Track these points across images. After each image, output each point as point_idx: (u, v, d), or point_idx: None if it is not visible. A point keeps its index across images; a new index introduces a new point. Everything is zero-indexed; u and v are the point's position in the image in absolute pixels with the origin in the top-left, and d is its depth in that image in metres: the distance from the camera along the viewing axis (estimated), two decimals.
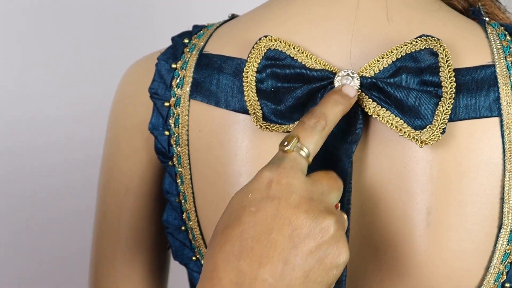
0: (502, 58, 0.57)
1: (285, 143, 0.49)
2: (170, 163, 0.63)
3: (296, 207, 0.46)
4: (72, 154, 1.59)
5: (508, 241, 0.57)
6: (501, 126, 0.56)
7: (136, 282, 0.71)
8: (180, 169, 0.63)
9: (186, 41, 0.65)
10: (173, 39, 0.66)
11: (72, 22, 1.61)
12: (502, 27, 0.60)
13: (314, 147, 0.50)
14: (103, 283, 0.71)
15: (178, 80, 0.62)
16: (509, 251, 0.57)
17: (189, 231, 0.64)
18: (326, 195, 0.49)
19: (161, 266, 0.74)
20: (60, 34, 1.60)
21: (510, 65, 0.57)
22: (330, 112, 0.51)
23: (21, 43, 1.59)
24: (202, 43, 0.64)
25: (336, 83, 0.55)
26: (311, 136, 0.49)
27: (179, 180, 0.63)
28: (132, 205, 0.69)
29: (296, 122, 0.56)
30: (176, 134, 0.62)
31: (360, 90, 0.55)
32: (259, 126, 0.56)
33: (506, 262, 0.57)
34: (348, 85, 0.54)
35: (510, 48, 0.58)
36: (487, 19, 0.61)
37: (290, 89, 0.57)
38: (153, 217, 0.70)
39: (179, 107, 0.62)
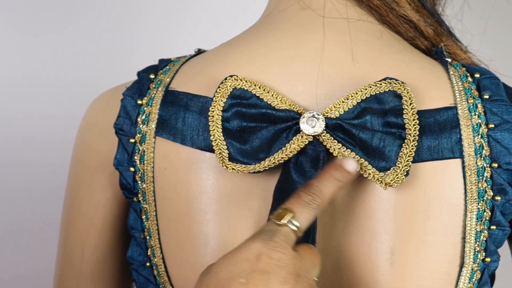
0: (464, 99, 0.58)
1: (280, 216, 0.49)
2: (135, 199, 0.63)
3: (284, 283, 0.46)
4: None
5: (469, 279, 0.58)
6: (463, 167, 0.57)
7: None
8: (145, 206, 0.63)
9: (152, 76, 0.65)
10: (138, 74, 0.66)
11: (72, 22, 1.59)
12: (464, 68, 0.62)
13: (306, 224, 0.50)
14: None
15: (143, 117, 0.62)
16: None
17: (153, 267, 0.64)
18: (310, 271, 0.49)
19: None
20: (59, 32, 1.58)
21: (472, 106, 0.58)
22: (327, 189, 0.52)
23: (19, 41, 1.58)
24: (168, 79, 0.64)
25: (302, 124, 0.56)
26: (306, 213, 0.50)
27: (144, 216, 0.63)
28: (95, 240, 0.68)
29: (262, 162, 0.56)
30: (142, 170, 0.62)
31: (325, 131, 0.56)
32: (225, 167, 0.57)
33: None
34: (350, 160, 0.54)
35: (471, 89, 0.59)
36: (449, 60, 0.62)
37: (256, 129, 0.57)
38: (117, 252, 0.70)
39: (144, 144, 0.62)
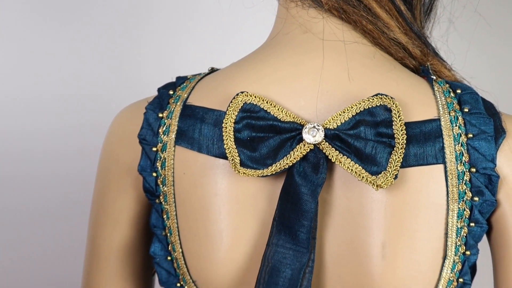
0: (446, 113, 0.66)
1: None
2: (157, 200, 0.71)
3: None
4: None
5: (451, 269, 0.66)
6: (445, 172, 0.65)
7: None
8: (166, 206, 0.71)
9: (171, 92, 0.73)
10: (159, 90, 0.74)
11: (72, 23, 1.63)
12: (448, 85, 0.69)
13: None
14: None
15: (164, 128, 0.70)
16: (452, 278, 0.66)
17: (174, 261, 0.72)
18: None
19: None
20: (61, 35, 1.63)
21: (453, 119, 0.66)
22: None
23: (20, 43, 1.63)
24: (185, 95, 0.72)
25: (304, 134, 0.64)
26: None
27: (165, 216, 0.71)
28: (121, 238, 0.76)
29: (269, 167, 0.64)
30: (163, 175, 0.70)
31: (324, 140, 0.64)
32: (237, 171, 0.64)
33: (451, 287, 0.66)
34: None
35: (453, 104, 0.67)
36: (434, 77, 0.70)
37: (264, 138, 0.65)
38: (140, 248, 0.78)
39: (165, 152, 0.70)
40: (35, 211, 1.81)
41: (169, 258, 0.72)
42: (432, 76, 0.70)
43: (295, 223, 0.63)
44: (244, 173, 0.64)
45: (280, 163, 0.64)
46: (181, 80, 0.75)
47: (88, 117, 1.75)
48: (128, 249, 0.77)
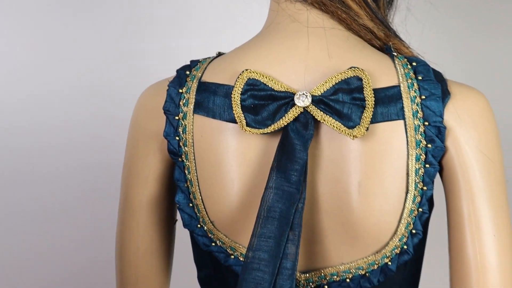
0: (404, 80, 0.85)
1: None
2: (179, 159, 0.89)
3: None
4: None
5: (413, 201, 0.84)
6: (405, 125, 0.83)
7: (152, 248, 0.96)
8: (187, 163, 0.89)
9: (188, 72, 0.91)
10: (177, 71, 0.92)
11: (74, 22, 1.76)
12: (406, 59, 0.88)
13: None
14: (126, 248, 0.96)
15: (184, 101, 0.88)
16: (413, 208, 0.84)
17: (195, 207, 0.90)
18: None
19: (169, 236, 0.99)
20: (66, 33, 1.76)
21: (410, 85, 0.84)
22: None
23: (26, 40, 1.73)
24: (199, 74, 0.90)
25: (295, 100, 0.82)
26: None
27: (187, 171, 0.89)
28: (149, 192, 0.94)
29: (269, 127, 0.82)
30: (184, 138, 0.88)
31: (311, 104, 0.82)
32: (244, 130, 0.83)
33: (412, 216, 0.85)
34: None
35: (410, 74, 0.85)
36: (395, 54, 0.89)
37: (264, 105, 0.83)
38: (165, 200, 0.96)
39: (186, 120, 0.88)
40: (51, 205, 1.93)
41: (190, 205, 0.90)
42: (393, 53, 0.88)
43: (289, 168, 0.81)
44: (250, 131, 0.82)
45: (277, 123, 0.82)
46: (194, 63, 0.93)
47: (95, 108, 1.87)
48: (155, 202, 0.95)
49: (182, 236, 1.06)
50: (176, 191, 0.91)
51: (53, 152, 1.93)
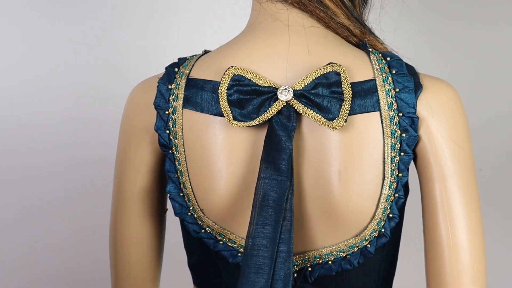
0: (379, 74, 0.91)
1: None
2: (170, 151, 0.94)
3: None
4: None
5: (389, 187, 0.90)
6: (381, 117, 0.89)
7: (145, 236, 1.02)
8: (177, 155, 0.94)
9: (176, 69, 0.96)
10: (166, 68, 0.97)
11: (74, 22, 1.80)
12: (380, 54, 0.94)
13: None
14: (120, 238, 1.01)
15: (173, 96, 0.94)
16: (390, 194, 0.90)
17: (185, 196, 0.95)
18: None
19: (160, 225, 1.05)
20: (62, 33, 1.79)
21: (385, 79, 0.90)
22: None
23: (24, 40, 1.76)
24: (187, 71, 0.95)
25: (279, 94, 0.87)
26: None
27: (177, 162, 0.94)
28: (141, 183, 1.00)
29: (254, 120, 0.88)
30: (174, 131, 0.93)
31: (293, 98, 0.88)
32: (231, 123, 0.88)
33: (389, 201, 0.91)
34: None
35: (384, 68, 0.91)
36: (370, 49, 0.95)
37: (249, 99, 0.89)
38: (156, 191, 1.01)
39: (175, 114, 0.93)
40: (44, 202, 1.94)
41: (181, 194, 0.95)
42: (369, 49, 0.94)
43: (278, 158, 0.86)
44: (236, 124, 0.88)
45: (262, 117, 0.88)
46: (182, 60, 0.98)
47: (82, 106, 1.90)
48: (146, 192, 1.01)
49: (174, 226, 1.11)
50: (167, 182, 0.96)
51: (39, 149, 1.94)
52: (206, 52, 1.00)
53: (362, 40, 0.97)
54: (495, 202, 2.12)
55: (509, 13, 2.14)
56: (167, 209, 1.05)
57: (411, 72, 0.92)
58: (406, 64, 0.93)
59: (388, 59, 0.92)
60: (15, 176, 1.94)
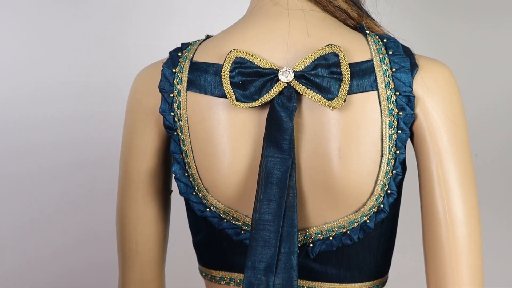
0: (377, 55, 0.94)
1: None
2: (175, 133, 0.97)
3: None
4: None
5: (387, 164, 0.93)
6: (378, 96, 0.92)
7: (151, 217, 1.05)
8: (182, 136, 0.97)
9: (180, 54, 0.99)
10: (170, 53, 1.00)
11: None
12: (377, 36, 0.97)
13: None
14: (127, 219, 1.05)
15: (177, 79, 0.97)
16: (388, 170, 0.94)
17: (190, 176, 0.98)
18: None
19: (165, 206, 1.08)
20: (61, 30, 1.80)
21: (382, 59, 0.93)
22: None
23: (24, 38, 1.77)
24: (191, 55, 0.98)
25: (280, 76, 0.90)
26: None
27: (182, 144, 0.97)
28: (147, 165, 1.03)
29: (256, 101, 0.91)
30: (179, 114, 0.96)
31: (294, 79, 0.91)
32: (234, 104, 0.91)
33: (387, 177, 0.94)
34: None
35: (381, 49, 0.94)
36: (368, 32, 0.98)
37: (251, 81, 0.92)
38: (161, 172, 1.05)
39: (180, 96, 0.96)
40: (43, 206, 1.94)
41: (186, 174, 0.98)
42: (366, 31, 0.97)
43: (280, 138, 0.90)
44: (239, 105, 0.91)
45: (264, 97, 0.91)
46: (185, 45, 1.01)
47: (83, 105, 1.91)
48: (152, 173, 1.04)
49: (178, 209, 1.15)
50: (172, 163, 0.99)
51: (39, 149, 1.95)
52: (208, 37, 1.03)
53: (359, 23, 1.00)
54: (492, 193, 2.15)
55: (507, 7, 2.18)
56: (171, 191, 1.09)
57: (407, 53, 0.95)
58: (402, 46, 0.96)
59: (385, 40, 0.95)
60: (14, 178, 1.94)
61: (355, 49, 0.94)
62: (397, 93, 0.92)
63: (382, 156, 0.93)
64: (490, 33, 2.15)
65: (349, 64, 0.91)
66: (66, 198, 1.95)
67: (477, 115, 2.11)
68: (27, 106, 1.90)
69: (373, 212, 0.95)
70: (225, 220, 0.98)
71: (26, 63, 1.90)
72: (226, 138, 0.94)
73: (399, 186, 0.97)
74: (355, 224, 0.96)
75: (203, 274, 1.07)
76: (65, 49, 1.90)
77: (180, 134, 0.97)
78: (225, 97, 0.93)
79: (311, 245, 0.97)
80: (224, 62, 0.92)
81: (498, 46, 2.18)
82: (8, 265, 1.94)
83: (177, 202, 1.13)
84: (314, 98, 0.90)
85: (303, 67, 0.91)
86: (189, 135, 0.96)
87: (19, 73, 1.91)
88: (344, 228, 0.96)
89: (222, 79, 0.92)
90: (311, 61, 0.91)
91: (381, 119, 0.92)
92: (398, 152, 0.93)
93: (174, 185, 1.06)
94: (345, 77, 0.90)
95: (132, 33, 1.91)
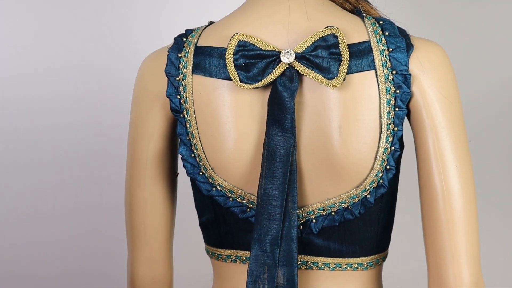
0: (373, 36, 0.98)
1: None
2: (181, 115, 1.01)
3: None
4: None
5: (386, 140, 0.97)
6: (376, 75, 0.96)
7: (158, 198, 1.09)
8: (188, 118, 1.01)
9: (184, 39, 1.03)
10: (175, 39, 1.04)
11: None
12: (374, 19, 1.01)
13: None
14: (135, 199, 1.08)
15: (183, 64, 1.01)
16: (387, 147, 0.97)
17: (196, 156, 1.02)
18: None
19: (172, 188, 1.12)
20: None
21: (379, 40, 0.97)
22: None
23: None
24: (195, 40, 1.02)
25: (281, 57, 0.94)
26: None
27: (188, 125, 1.01)
28: (154, 146, 1.06)
29: (260, 82, 0.95)
30: (185, 96, 1.00)
31: (295, 60, 0.95)
32: (238, 86, 0.95)
33: (386, 153, 0.98)
34: None
35: (378, 31, 0.98)
36: (364, 14, 1.02)
37: (254, 63, 0.96)
38: (168, 154, 1.08)
39: (185, 80, 1.00)
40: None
41: (192, 155, 1.02)
42: (363, 14, 1.02)
43: (282, 117, 0.94)
44: (243, 86, 0.95)
45: (267, 78, 0.95)
46: (189, 31, 1.05)
47: (84, 88, 1.93)
48: (159, 155, 1.08)
49: (184, 192, 1.18)
50: (179, 145, 1.03)
51: (37, 136, 1.94)
52: (211, 23, 1.07)
53: (356, 6, 1.04)
54: (489, 188, 2.17)
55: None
56: (178, 173, 1.12)
57: (403, 34, 0.99)
58: (398, 27, 1.00)
59: (381, 22, 0.99)
60: (14, 166, 1.95)
61: (353, 30, 0.98)
62: (394, 72, 0.96)
63: (380, 133, 0.97)
64: (486, 18, 2.19)
65: (347, 45, 0.95)
66: (64, 185, 1.95)
67: (469, 111, 2.13)
68: (23, 91, 1.89)
69: (373, 187, 0.99)
70: (231, 199, 1.02)
71: (22, 48, 1.90)
72: (231, 118, 0.98)
73: (398, 162, 1.00)
74: (356, 199, 0.99)
75: (210, 253, 1.11)
76: (63, 35, 1.90)
77: (186, 116, 1.01)
78: (230, 79, 0.96)
79: (314, 220, 1.01)
80: (227, 46, 0.96)
81: (492, 31, 2.21)
82: (7, 256, 1.95)
83: (184, 184, 1.16)
84: (315, 78, 0.94)
85: (304, 49, 0.95)
86: (195, 117, 1.00)
87: (16, 58, 1.91)
88: (345, 203, 1.00)
89: (226, 62, 0.96)
90: (311, 43, 0.95)
91: (379, 97, 0.96)
92: (396, 129, 0.97)
93: (180, 169, 1.09)
94: (344, 58, 0.94)
95: (132, 19, 1.92)
